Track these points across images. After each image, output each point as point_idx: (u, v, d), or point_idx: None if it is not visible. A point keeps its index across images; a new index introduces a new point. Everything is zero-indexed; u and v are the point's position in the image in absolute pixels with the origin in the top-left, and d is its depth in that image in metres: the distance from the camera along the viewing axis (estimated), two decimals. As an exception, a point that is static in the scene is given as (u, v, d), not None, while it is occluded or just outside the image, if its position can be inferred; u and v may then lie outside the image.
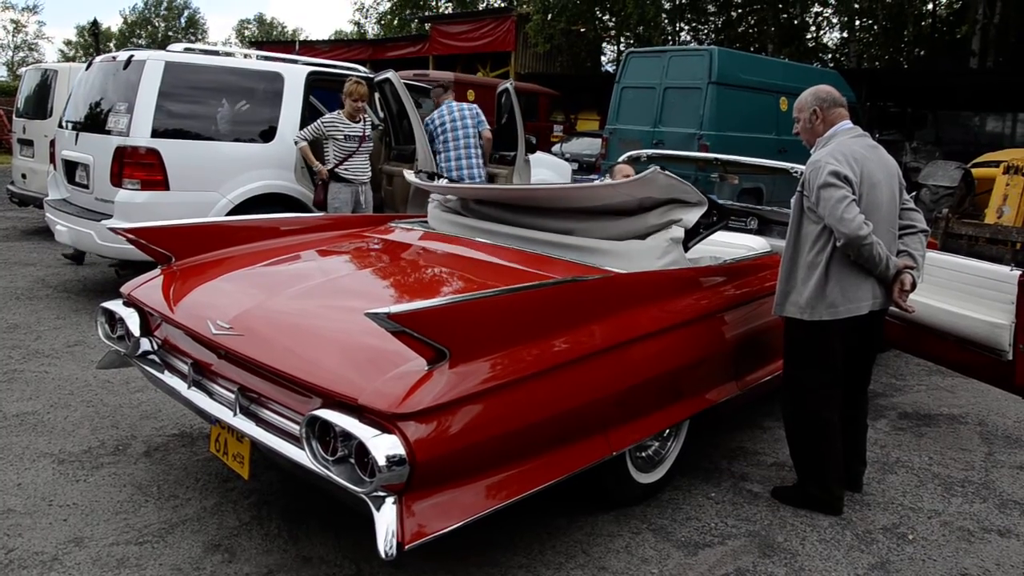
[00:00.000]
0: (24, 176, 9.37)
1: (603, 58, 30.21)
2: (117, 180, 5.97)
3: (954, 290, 4.12)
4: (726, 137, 10.26)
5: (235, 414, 2.78)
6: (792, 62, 14.78)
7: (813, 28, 27.88)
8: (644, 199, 3.59)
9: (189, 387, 3.02)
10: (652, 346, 3.10)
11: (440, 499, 2.36)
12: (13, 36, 55.96)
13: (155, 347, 3.33)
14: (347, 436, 2.30)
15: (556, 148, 15.96)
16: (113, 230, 3.73)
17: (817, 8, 27.10)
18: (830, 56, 27.80)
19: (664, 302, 3.27)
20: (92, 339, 5.43)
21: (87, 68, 6.99)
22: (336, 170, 6.27)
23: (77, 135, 6.54)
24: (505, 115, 8.01)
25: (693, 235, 3.60)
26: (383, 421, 2.29)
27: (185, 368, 3.08)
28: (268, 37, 61.37)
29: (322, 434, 2.40)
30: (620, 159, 5.56)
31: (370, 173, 6.52)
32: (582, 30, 26.25)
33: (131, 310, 3.38)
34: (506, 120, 7.98)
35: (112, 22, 69.73)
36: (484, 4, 34.04)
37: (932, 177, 10.21)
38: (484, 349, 2.49)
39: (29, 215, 10.51)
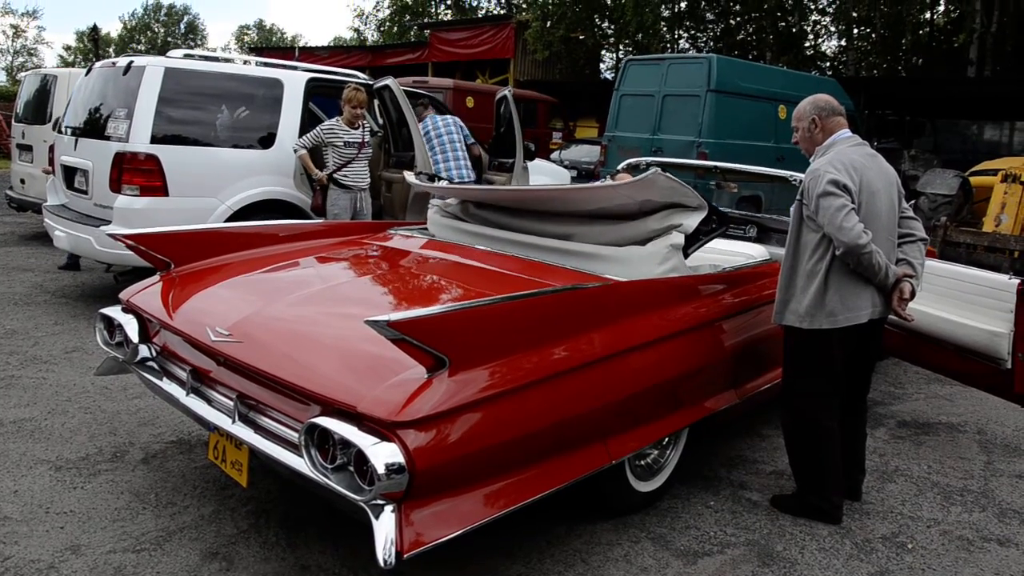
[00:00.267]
0: (23, 181, 9.37)
1: (602, 65, 30.30)
2: (116, 186, 5.97)
3: (953, 299, 4.12)
4: (725, 145, 10.26)
5: (234, 421, 2.78)
6: (791, 70, 14.81)
7: (811, 36, 27.96)
8: (644, 202, 3.59)
9: (188, 394, 3.01)
10: (651, 354, 3.10)
11: (439, 507, 2.35)
12: (13, 41, 56.07)
13: (154, 354, 3.32)
14: (346, 444, 2.30)
15: (555, 155, 15.99)
16: (112, 236, 3.73)
17: (815, 16, 27.20)
18: (828, 64, 27.87)
19: (663, 310, 3.27)
20: (90, 345, 5.42)
21: (87, 73, 6.99)
22: (335, 176, 6.27)
23: (76, 141, 6.54)
24: (504, 122, 8.03)
25: (693, 241, 3.60)
26: (382, 429, 2.28)
27: (184, 375, 3.08)
28: (268, 43, 61.45)
29: (321, 442, 2.39)
30: (619, 167, 5.57)
31: (369, 180, 6.53)
32: (581, 37, 26.32)
33: (130, 316, 3.37)
34: (505, 127, 8.00)
35: (112, 27, 69.81)
36: (483, 11, 34.12)
37: (930, 185, 10.23)
38: (483, 357, 2.49)
39: (28, 220, 10.50)
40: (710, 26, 27.88)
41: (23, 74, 11.60)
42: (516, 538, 3.16)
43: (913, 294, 3.30)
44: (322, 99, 7.62)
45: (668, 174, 3.37)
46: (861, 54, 26.61)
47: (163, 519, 3.22)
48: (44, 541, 3.02)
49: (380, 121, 7.50)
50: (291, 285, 3.38)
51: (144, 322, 3.35)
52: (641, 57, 12.67)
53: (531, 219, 4.01)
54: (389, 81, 7.03)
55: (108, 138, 6.10)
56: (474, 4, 34.87)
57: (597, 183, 3.84)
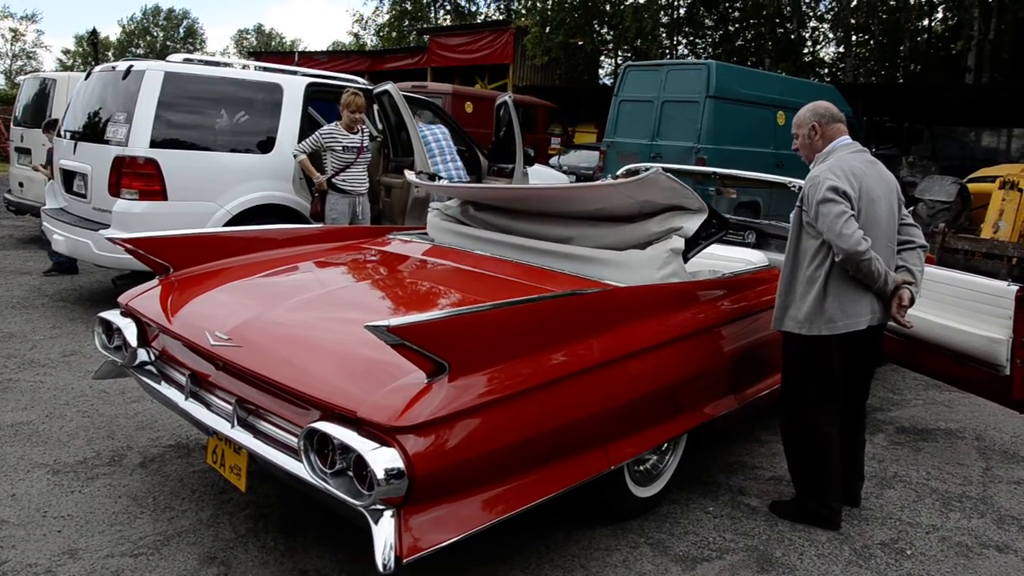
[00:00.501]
0: (21, 184, 9.37)
1: (601, 71, 30.35)
2: (115, 190, 5.97)
3: (952, 305, 4.13)
4: (724, 151, 10.28)
5: (233, 426, 2.77)
6: (789, 77, 14.85)
7: (810, 43, 28.04)
8: (644, 204, 3.59)
9: (186, 398, 3.01)
10: (650, 360, 3.10)
11: (438, 512, 2.35)
12: (12, 44, 56.10)
13: (152, 358, 3.31)
14: (346, 449, 2.29)
15: (554, 160, 16.00)
16: (111, 240, 3.73)
17: (814, 23, 27.27)
18: (827, 71, 27.94)
19: (663, 316, 3.27)
20: (88, 349, 5.42)
21: (86, 77, 6.99)
22: (333, 181, 6.27)
23: (76, 144, 6.54)
24: (504, 127, 8.04)
25: (693, 245, 3.60)
26: (382, 434, 2.28)
27: (183, 379, 3.07)
28: (267, 48, 61.53)
29: (320, 447, 2.39)
30: (618, 172, 5.58)
31: (368, 184, 6.53)
32: (580, 43, 26.36)
33: (128, 320, 3.37)
34: (505, 132, 8.01)
35: (111, 31, 69.92)
36: (483, 17, 34.19)
37: (928, 192, 10.25)
38: (483, 362, 2.49)
39: (26, 223, 10.50)
40: (709, 32, 27.96)
41: (22, 78, 11.60)
42: (515, 543, 3.15)
43: (912, 301, 3.30)
44: (321, 104, 7.63)
45: (669, 174, 3.36)
46: (859, 61, 26.68)
47: (161, 523, 3.21)
48: (41, 545, 3.02)
49: (379, 126, 7.51)
50: (290, 290, 3.37)
51: (143, 326, 3.35)
52: (640, 63, 12.69)
53: (531, 221, 4.02)
54: (389, 86, 7.04)
55: (107, 142, 6.10)
56: (473, 10, 34.96)
57: (598, 182, 3.84)
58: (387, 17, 38.15)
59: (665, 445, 3.48)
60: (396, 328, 2.20)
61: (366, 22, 44.29)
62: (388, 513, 2.26)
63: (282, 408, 2.67)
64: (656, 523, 3.43)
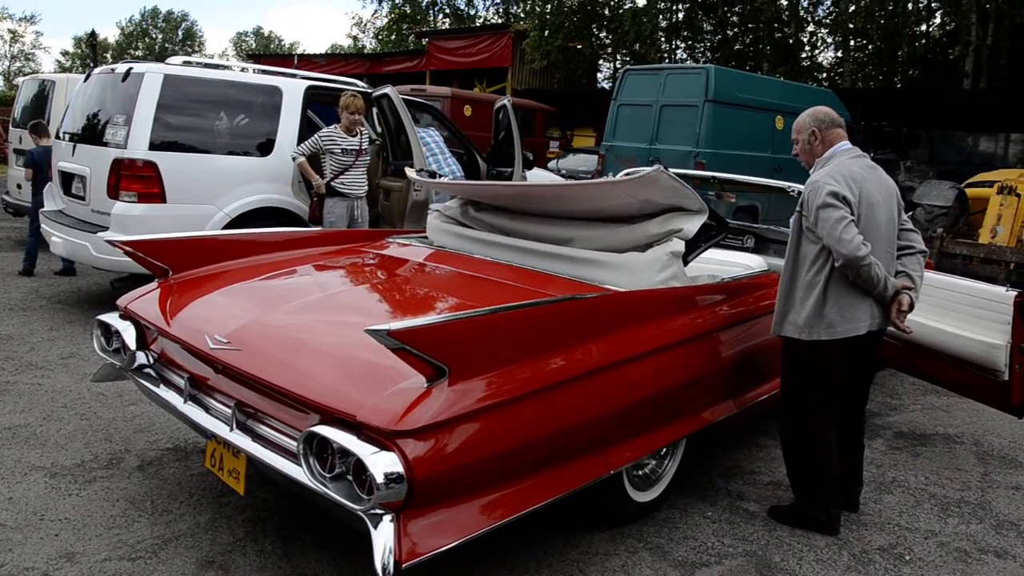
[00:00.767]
0: (19, 186, 9.36)
1: (599, 75, 30.38)
2: (114, 192, 5.96)
3: (950, 310, 4.13)
4: (722, 155, 10.29)
5: (231, 429, 2.77)
6: (788, 81, 14.87)
7: (808, 48, 28.08)
8: (645, 203, 3.59)
9: (185, 401, 3.01)
10: (650, 365, 3.10)
11: (438, 517, 2.34)
12: (10, 46, 56.07)
13: (151, 361, 3.31)
14: (345, 453, 2.29)
15: (552, 164, 16.02)
16: (111, 243, 3.72)
17: (812, 28, 27.33)
18: (825, 75, 27.99)
19: (662, 321, 3.27)
20: (86, 351, 5.41)
21: (85, 79, 6.99)
22: (332, 184, 6.27)
23: (74, 147, 6.53)
24: (503, 131, 8.05)
25: (692, 248, 3.60)
26: (382, 438, 2.28)
27: (181, 382, 3.07)
28: (266, 50, 61.52)
29: (320, 451, 2.38)
30: (618, 176, 5.57)
31: (366, 188, 6.52)
32: (579, 47, 26.39)
33: (127, 323, 3.36)
34: (503, 136, 8.01)
35: (109, 33, 69.75)
36: (481, 20, 34.22)
37: (927, 197, 10.27)
38: (483, 367, 2.49)
39: (24, 225, 10.44)
40: (707, 36, 27.98)
41: (21, 79, 11.59)
42: (513, 548, 3.15)
43: (912, 306, 3.31)
44: (320, 107, 7.63)
45: (670, 173, 3.36)
46: (857, 65, 26.73)
47: (159, 527, 3.21)
48: (39, 548, 3.01)
49: (379, 130, 7.51)
50: (289, 293, 3.37)
51: (142, 329, 3.34)
52: (639, 67, 12.71)
53: (531, 222, 4.02)
54: (388, 89, 7.04)
55: (106, 144, 6.10)
56: (472, 13, 34.99)
57: (599, 179, 3.83)
58: (386, 20, 38.22)
59: (664, 450, 3.48)
60: (396, 332, 2.20)
61: (365, 25, 44.26)
62: (387, 517, 2.26)
63: (281, 412, 2.66)
64: (655, 528, 3.43)
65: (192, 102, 6.23)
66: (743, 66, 24.63)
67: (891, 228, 3.33)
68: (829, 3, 25.88)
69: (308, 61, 27.49)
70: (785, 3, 24.73)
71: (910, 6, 23.66)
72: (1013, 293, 3.90)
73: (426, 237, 4.46)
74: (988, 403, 4.27)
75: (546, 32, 24.64)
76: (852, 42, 25.84)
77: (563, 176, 13.42)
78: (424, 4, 35.55)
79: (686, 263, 3.58)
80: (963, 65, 20.65)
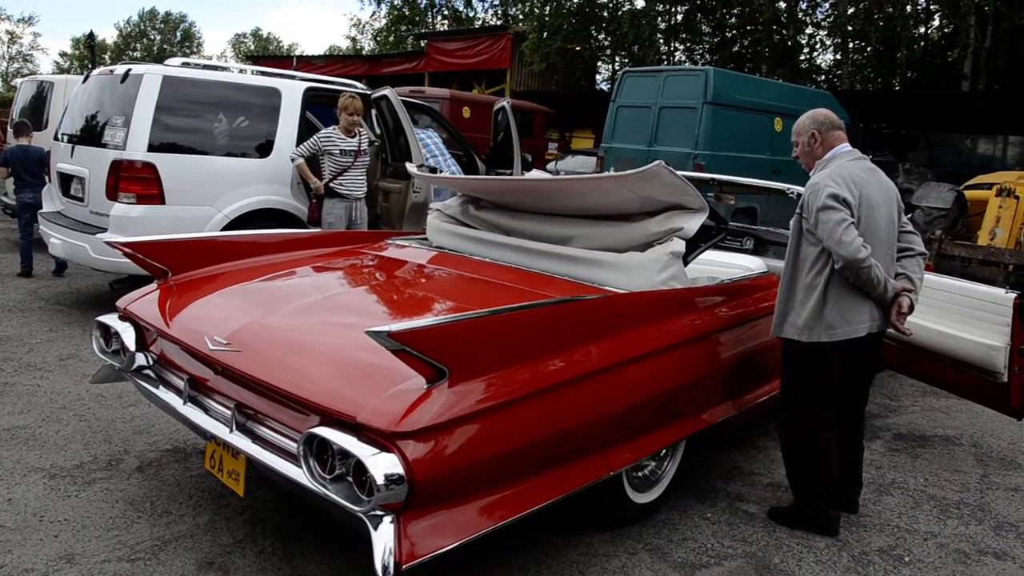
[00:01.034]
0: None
1: (598, 76, 30.39)
2: (113, 194, 5.96)
3: (950, 312, 4.14)
4: (721, 157, 10.30)
5: (231, 431, 2.77)
6: (787, 83, 14.88)
7: (807, 50, 28.10)
8: (646, 200, 3.59)
9: (185, 403, 3.00)
10: (649, 366, 3.10)
11: (438, 519, 2.34)
12: (8, 47, 56.03)
13: (150, 362, 3.31)
14: (345, 454, 2.29)
15: (551, 166, 16.03)
16: (110, 244, 3.72)
17: (811, 30, 27.34)
18: (823, 78, 28.00)
19: (662, 322, 3.27)
20: (85, 352, 5.40)
21: (84, 81, 6.99)
22: (331, 185, 6.27)
23: (73, 148, 6.53)
24: (501, 132, 8.06)
25: (692, 248, 3.60)
26: (382, 440, 2.28)
27: (181, 383, 3.06)
28: (264, 52, 61.51)
29: (320, 452, 2.38)
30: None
31: (366, 189, 6.52)
32: (578, 49, 26.40)
33: (127, 324, 3.36)
34: (502, 137, 8.02)
35: (107, 34, 69.72)
36: (480, 22, 34.23)
37: (925, 199, 10.29)
38: (483, 368, 2.49)
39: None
40: (706, 38, 28.00)
41: (19, 80, 11.58)
42: (513, 549, 3.15)
43: (911, 308, 3.31)
44: (319, 108, 7.63)
45: (671, 168, 3.36)
46: (856, 68, 26.76)
47: (158, 528, 3.20)
48: (38, 550, 3.00)
49: (378, 131, 7.51)
50: (289, 294, 3.37)
51: (141, 330, 3.34)
52: (638, 69, 12.71)
53: (532, 220, 4.02)
54: (387, 91, 7.05)
55: (105, 146, 6.09)
56: (471, 15, 35.00)
57: (601, 174, 3.83)
58: (385, 22, 38.23)
59: (663, 451, 3.48)
60: (397, 333, 2.20)
61: (363, 27, 44.29)
62: (387, 519, 2.26)
63: (281, 413, 2.66)
64: (654, 529, 3.43)
65: (191, 103, 6.23)
66: (742, 68, 24.63)
67: (891, 230, 3.34)
68: (828, 5, 25.92)
69: (307, 63, 27.51)
70: (783, 5, 24.74)
71: (909, 8, 23.69)
72: (1012, 295, 3.91)
73: (425, 238, 4.46)
74: (987, 405, 4.28)
75: (545, 34, 24.65)
76: (851, 44, 25.86)
77: (562, 178, 13.40)
78: (423, 5, 35.56)
79: (686, 263, 3.59)
80: (962, 67, 20.69)
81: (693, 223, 3.51)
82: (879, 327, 3.33)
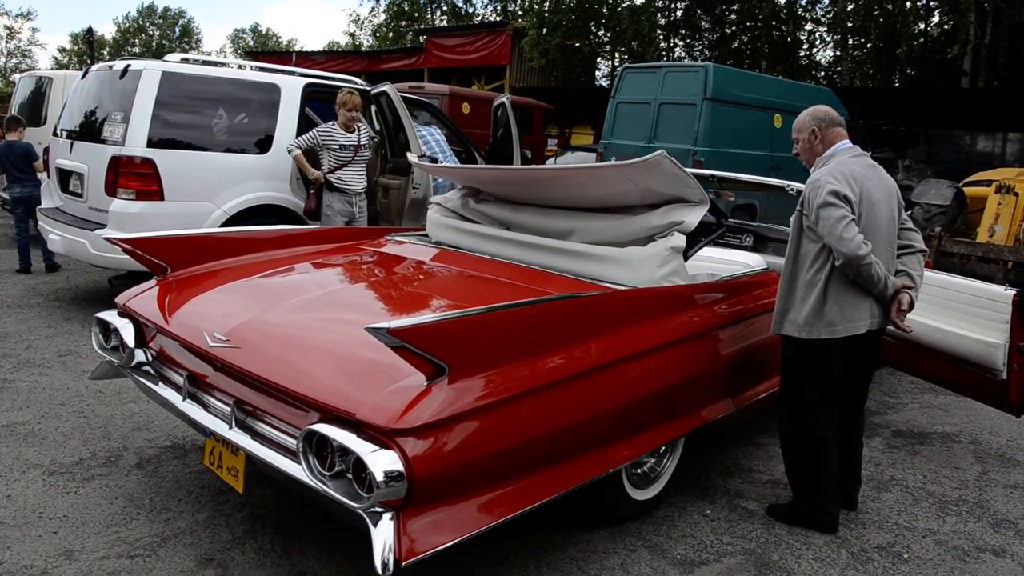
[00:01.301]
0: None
1: (598, 73, 30.32)
2: (112, 189, 5.95)
3: (949, 309, 4.14)
4: (720, 153, 10.29)
5: (231, 427, 2.77)
6: (786, 79, 14.87)
7: (806, 46, 28.06)
8: (646, 192, 3.58)
9: (184, 399, 3.00)
10: (649, 363, 3.10)
11: (437, 515, 2.34)
12: (7, 43, 55.90)
13: (150, 358, 3.31)
14: (345, 451, 2.29)
15: (550, 162, 16.00)
16: (109, 240, 3.72)
17: (810, 26, 27.30)
18: (823, 74, 27.95)
19: (661, 319, 3.27)
20: (84, 348, 5.40)
21: (83, 76, 6.98)
22: (329, 179, 6.26)
23: (72, 143, 6.52)
24: (501, 128, 8.05)
25: (693, 243, 3.60)
26: (381, 436, 2.27)
27: (180, 380, 3.06)
28: (263, 48, 61.39)
29: (319, 449, 2.38)
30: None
31: (365, 184, 6.51)
32: (577, 45, 26.36)
33: (126, 321, 3.36)
34: (502, 133, 8.01)
35: (106, 30, 69.57)
36: (480, 18, 34.17)
37: (925, 195, 10.28)
38: (483, 365, 2.49)
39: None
40: (705, 35, 27.96)
41: (17, 76, 11.57)
42: (512, 546, 3.15)
43: (912, 306, 3.31)
44: (319, 104, 7.62)
45: (673, 159, 3.35)
46: (856, 64, 26.71)
47: (157, 524, 3.20)
48: (37, 546, 3.00)
49: (377, 127, 7.50)
50: (289, 291, 3.37)
51: (140, 326, 3.34)
52: (638, 65, 12.69)
53: (532, 213, 4.02)
54: (387, 87, 7.03)
55: (104, 141, 6.08)
56: (470, 11, 34.93)
57: (602, 163, 3.83)
58: (384, 17, 38.15)
59: (663, 448, 3.48)
60: (396, 330, 2.20)
61: (362, 22, 44.20)
62: (387, 516, 2.26)
63: (280, 410, 2.66)
64: (654, 526, 3.43)
65: (190, 99, 6.22)
66: (741, 64, 24.62)
67: (891, 227, 3.33)
68: (827, 1, 25.87)
69: (306, 59, 27.42)
70: (783, 1, 24.70)
71: (908, 5, 23.63)
72: (1012, 292, 3.91)
73: (425, 234, 4.45)
74: (986, 402, 4.28)
75: (544, 30, 24.60)
76: (850, 40, 25.82)
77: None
78: (422, 2, 35.49)
79: (686, 258, 3.58)
80: (961, 64, 20.66)
81: (694, 216, 3.50)
82: (879, 324, 3.33)
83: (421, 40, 27.43)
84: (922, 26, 25.36)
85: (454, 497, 2.39)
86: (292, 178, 6.57)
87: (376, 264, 3.94)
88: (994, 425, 4.99)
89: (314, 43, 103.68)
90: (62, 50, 63.73)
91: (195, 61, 6.64)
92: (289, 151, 6.28)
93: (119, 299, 3.49)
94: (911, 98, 19.26)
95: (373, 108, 7.37)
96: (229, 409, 2.80)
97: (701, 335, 3.46)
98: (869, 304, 3.26)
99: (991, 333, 3.96)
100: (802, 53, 27.67)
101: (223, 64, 7.01)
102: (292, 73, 7.03)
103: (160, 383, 3.18)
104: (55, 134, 7.00)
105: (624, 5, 25.57)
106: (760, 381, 3.86)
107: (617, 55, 28.23)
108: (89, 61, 24.90)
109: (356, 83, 7.46)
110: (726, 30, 27.30)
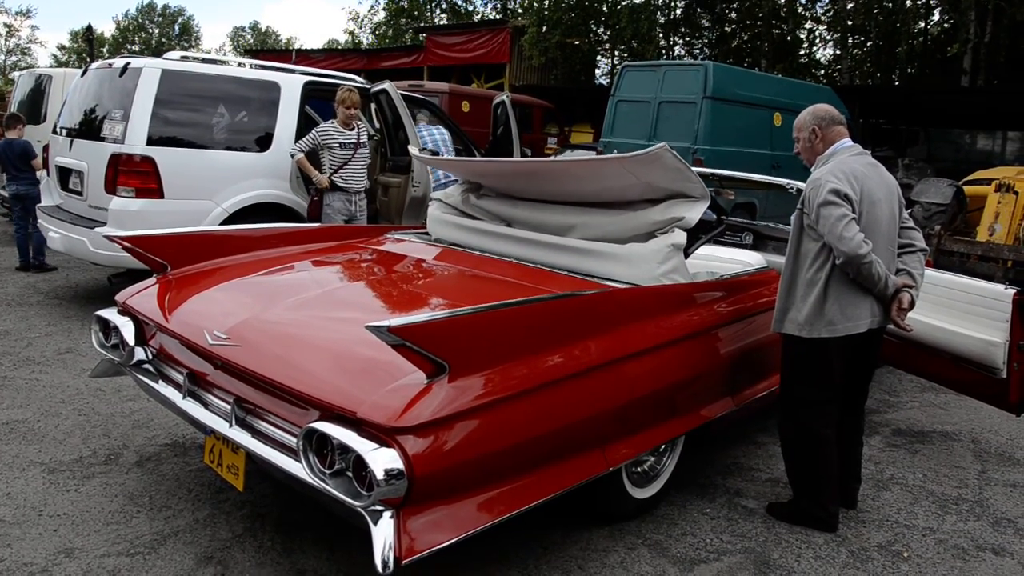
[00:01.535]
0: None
1: (597, 71, 30.32)
2: (111, 187, 5.95)
3: (949, 308, 4.14)
4: (720, 152, 10.29)
5: (231, 425, 2.76)
6: (786, 78, 14.86)
7: (806, 44, 28.06)
8: (647, 186, 3.57)
9: (184, 397, 3.00)
10: (649, 362, 3.10)
11: (437, 514, 2.34)
12: (6, 40, 55.86)
13: (150, 356, 3.30)
14: (345, 449, 2.29)
15: (550, 160, 15.97)
16: (109, 238, 3.72)
17: (810, 25, 27.30)
18: (823, 72, 27.95)
19: (661, 318, 3.27)
20: (83, 346, 5.40)
21: (82, 74, 6.97)
22: (331, 178, 6.25)
23: (72, 141, 6.51)
24: (501, 127, 8.04)
25: (693, 240, 3.60)
26: (382, 434, 2.27)
27: (180, 378, 3.06)
28: (263, 46, 61.32)
29: (319, 447, 2.38)
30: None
31: (366, 182, 6.50)
32: (577, 43, 26.35)
33: (126, 319, 3.35)
34: (502, 132, 8.01)
35: (105, 27, 69.48)
36: (479, 16, 34.15)
37: (924, 194, 10.28)
38: (483, 363, 2.49)
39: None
40: (705, 33, 27.95)
41: (17, 73, 11.56)
42: (512, 544, 3.15)
43: (912, 304, 3.31)
44: (318, 102, 7.61)
45: (674, 152, 3.34)
46: (856, 63, 26.71)
47: (157, 522, 3.20)
48: (37, 544, 3.00)
49: (376, 125, 7.49)
50: (289, 289, 3.37)
51: (140, 324, 3.33)
52: (638, 63, 12.68)
53: (533, 209, 4.01)
54: (386, 85, 7.03)
55: (104, 139, 6.08)
56: (470, 9, 34.91)
57: (603, 156, 3.82)
58: (383, 16, 38.13)
59: (663, 447, 3.48)
60: (397, 328, 2.20)
61: (362, 20, 44.15)
62: (387, 514, 2.26)
63: (281, 408, 2.66)
64: (654, 524, 3.43)
65: (190, 97, 6.22)
66: (741, 63, 24.63)
67: (892, 226, 3.33)
68: (827, 0, 25.88)
69: (306, 57, 27.39)
70: (783, 0, 24.71)
71: (908, 3, 23.63)
72: (1012, 291, 3.91)
73: (425, 232, 4.45)
74: (986, 400, 4.28)
75: (544, 28, 24.60)
76: (850, 39, 25.81)
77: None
78: (421, 0, 35.48)
79: (687, 255, 3.58)
80: (962, 63, 20.65)
81: (695, 212, 3.50)
82: (879, 323, 3.33)
83: (421, 38, 27.41)
84: (922, 25, 25.36)
85: (454, 495, 2.39)
86: (292, 176, 6.57)
87: (376, 262, 3.94)
88: (994, 424, 4.99)
89: (314, 41, 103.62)
90: (62, 48, 63.80)
91: (195, 59, 6.64)
92: (292, 155, 6.28)
93: (119, 297, 3.49)
94: (911, 97, 19.25)
95: (373, 106, 7.36)
96: (229, 407, 2.80)
97: (701, 334, 3.46)
98: (870, 303, 3.26)
99: (991, 332, 3.96)
100: (802, 52, 27.69)
101: (223, 62, 7.00)
102: (292, 71, 7.03)
103: (160, 381, 3.18)
104: (55, 132, 7.00)
105: (624, 3, 25.59)
106: (760, 380, 3.86)
107: (617, 53, 28.23)
108: (89, 59, 24.90)
109: (356, 81, 7.45)
110: (726, 28, 27.31)
